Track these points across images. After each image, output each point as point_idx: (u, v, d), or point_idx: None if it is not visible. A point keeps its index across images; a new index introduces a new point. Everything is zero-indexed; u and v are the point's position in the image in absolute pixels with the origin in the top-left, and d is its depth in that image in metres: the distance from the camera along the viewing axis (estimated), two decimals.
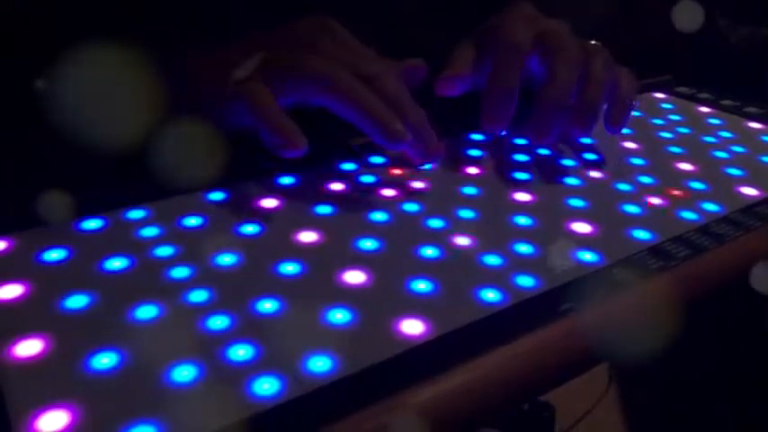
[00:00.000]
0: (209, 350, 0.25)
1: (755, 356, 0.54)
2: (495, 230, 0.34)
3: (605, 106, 0.43)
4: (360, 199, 0.37)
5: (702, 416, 0.58)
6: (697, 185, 0.40)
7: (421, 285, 0.29)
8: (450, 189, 0.38)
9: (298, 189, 0.37)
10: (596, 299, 0.29)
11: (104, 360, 0.24)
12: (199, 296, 0.28)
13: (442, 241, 0.33)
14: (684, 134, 0.49)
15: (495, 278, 0.30)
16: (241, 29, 0.39)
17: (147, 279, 0.29)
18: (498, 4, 0.47)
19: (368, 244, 0.32)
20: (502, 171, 0.41)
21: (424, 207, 0.36)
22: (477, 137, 0.46)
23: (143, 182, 0.35)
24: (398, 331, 0.26)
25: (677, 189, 0.40)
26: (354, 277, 0.30)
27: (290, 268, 0.30)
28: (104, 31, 0.35)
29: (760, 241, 0.35)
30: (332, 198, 0.36)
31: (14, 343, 0.25)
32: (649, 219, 0.36)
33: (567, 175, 0.41)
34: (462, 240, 0.33)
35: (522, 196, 0.38)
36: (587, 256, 0.32)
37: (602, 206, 0.37)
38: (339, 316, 0.27)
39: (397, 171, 0.40)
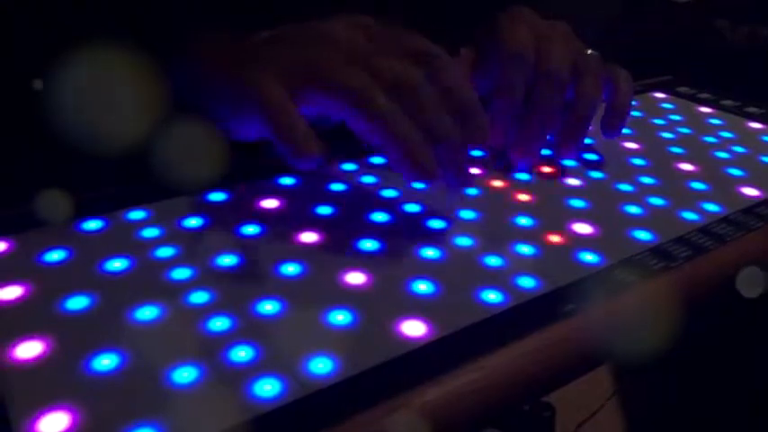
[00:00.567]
0: (209, 352, 0.25)
1: (762, 358, 0.54)
2: (496, 231, 0.34)
3: (603, 110, 0.43)
4: (360, 199, 0.36)
5: (708, 417, 0.58)
6: (698, 186, 0.40)
7: (422, 286, 0.29)
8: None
9: (298, 190, 0.37)
10: (597, 300, 0.29)
11: (105, 361, 0.24)
12: (200, 297, 0.28)
13: (442, 242, 0.33)
14: (685, 134, 0.49)
15: (496, 279, 0.30)
16: (259, 21, 0.36)
17: (148, 280, 0.29)
18: (493, 6, 0.47)
19: (369, 245, 0.32)
20: (503, 171, 0.41)
21: (425, 208, 0.36)
22: None
23: (144, 183, 0.35)
24: (399, 333, 0.26)
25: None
26: (355, 278, 0.29)
27: (290, 269, 0.30)
28: (106, 27, 0.35)
29: (761, 242, 0.35)
30: (332, 199, 0.36)
31: (15, 344, 0.25)
32: (650, 219, 0.36)
33: (568, 176, 0.41)
34: (463, 241, 0.33)
35: (523, 197, 0.38)
36: (588, 257, 0.32)
37: (603, 206, 0.37)
38: (340, 317, 0.27)
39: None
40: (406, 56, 0.34)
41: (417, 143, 0.31)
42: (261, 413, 0.22)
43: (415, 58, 0.34)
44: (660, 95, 0.57)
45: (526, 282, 0.30)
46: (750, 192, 0.40)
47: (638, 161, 0.43)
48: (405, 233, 0.33)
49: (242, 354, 0.25)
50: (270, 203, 0.35)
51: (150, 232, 0.32)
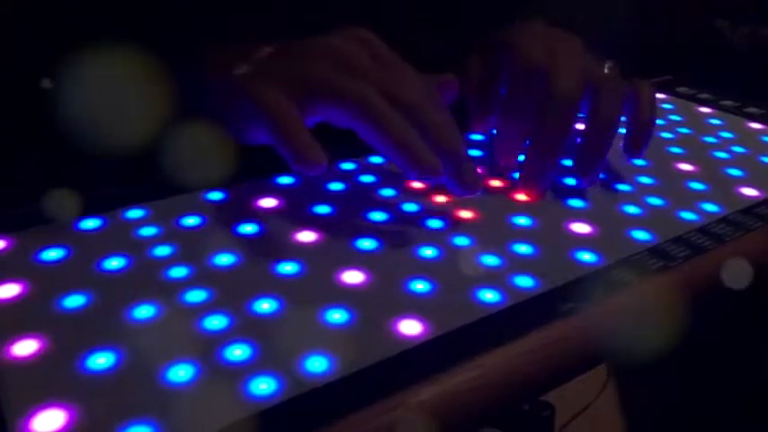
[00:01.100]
0: (206, 350, 0.25)
1: (762, 357, 0.54)
2: (493, 231, 0.34)
3: (625, 128, 0.40)
4: (358, 199, 0.36)
5: (708, 417, 0.58)
6: (697, 186, 0.40)
7: (419, 285, 0.29)
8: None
9: (296, 189, 0.37)
10: (595, 299, 0.29)
11: (101, 360, 0.24)
12: (196, 296, 0.28)
13: (440, 241, 0.33)
14: (685, 134, 0.49)
15: (493, 278, 0.30)
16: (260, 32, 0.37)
17: (145, 279, 0.29)
18: (498, 11, 0.46)
19: (366, 244, 0.32)
20: (501, 171, 0.41)
21: (423, 207, 0.36)
22: (475, 137, 0.45)
23: (143, 182, 0.35)
24: (397, 331, 0.26)
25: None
26: (353, 277, 0.29)
27: (288, 268, 0.30)
28: (113, 29, 0.35)
29: (760, 242, 0.35)
30: (331, 198, 0.36)
31: (11, 342, 0.25)
32: (649, 219, 0.36)
33: (567, 176, 0.41)
34: (461, 240, 0.33)
35: (521, 196, 0.38)
36: (586, 257, 0.32)
37: (602, 206, 0.37)
38: (337, 316, 0.27)
39: (395, 171, 0.40)
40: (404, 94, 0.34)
41: (421, 147, 0.32)
42: (257, 411, 0.22)
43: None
44: (660, 95, 0.57)
45: (524, 281, 0.30)
46: (749, 192, 0.40)
47: (637, 161, 0.43)
48: (402, 232, 0.33)
49: (238, 352, 0.25)
50: (268, 202, 0.35)
51: (148, 231, 0.32)
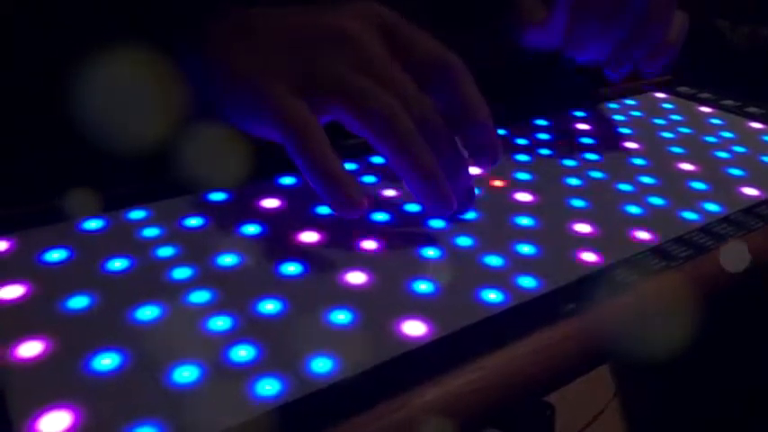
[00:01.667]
0: (210, 351, 0.25)
1: (763, 357, 0.54)
2: (496, 231, 0.34)
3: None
4: None
5: (708, 417, 0.58)
6: (698, 185, 0.40)
7: (422, 286, 0.29)
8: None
9: (299, 189, 0.37)
10: (598, 299, 0.29)
11: (106, 361, 0.24)
12: (200, 297, 0.28)
13: (443, 242, 0.33)
14: (685, 134, 0.49)
15: (496, 279, 0.30)
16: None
17: (149, 280, 0.29)
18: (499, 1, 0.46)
19: (370, 245, 0.32)
20: (502, 171, 0.41)
21: (425, 208, 0.36)
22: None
23: (155, 181, 0.35)
24: (400, 332, 0.26)
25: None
26: (356, 278, 0.30)
27: (291, 269, 0.30)
28: (111, 19, 0.34)
29: (761, 241, 0.35)
30: None
31: (16, 344, 0.25)
32: (651, 219, 0.36)
33: (568, 176, 0.41)
34: (464, 241, 0.33)
35: (524, 196, 0.38)
36: (589, 257, 0.32)
37: (604, 206, 0.37)
38: (341, 317, 0.27)
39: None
40: (421, 65, 0.34)
41: (439, 177, 0.32)
42: (262, 412, 0.22)
43: (428, 69, 0.34)
44: (660, 95, 0.57)
45: (526, 281, 0.30)
46: (750, 192, 0.40)
47: (638, 161, 0.43)
48: (405, 233, 0.33)
49: (243, 353, 0.25)
50: (270, 203, 0.35)
51: (151, 232, 0.32)
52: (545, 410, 0.63)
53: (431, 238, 0.33)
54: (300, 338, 0.26)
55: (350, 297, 0.28)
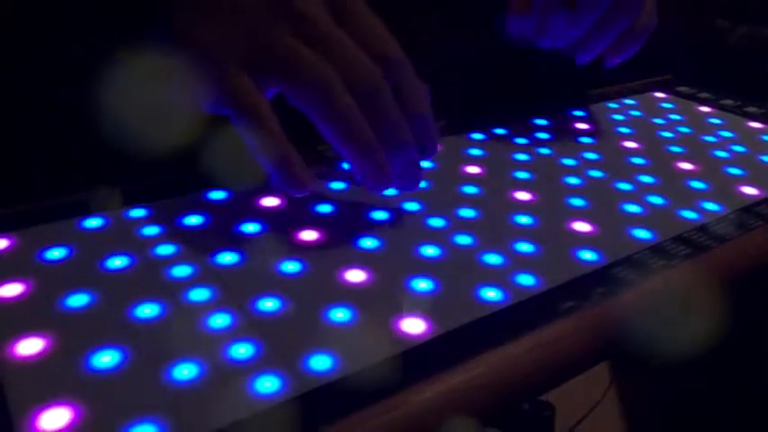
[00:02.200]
0: (210, 349, 0.25)
1: (756, 354, 0.54)
2: (495, 229, 0.34)
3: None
4: (360, 198, 0.37)
5: (709, 417, 0.58)
6: (697, 185, 0.40)
7: (422, 284, 0.29)
8: (450, 188, 0.38)
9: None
10: (597, 298, 0.29)
11: (106, 358, 0.24)
12: (200, 294, 0.28)
13: (442, 240, 0.33)
14: (685, 134, 0.49)
15: (495, 277, 0.30)
16: None
17: (149, 277, 0.29)
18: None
19: (369, 243, 0.32)
20: (502, 170, 0.41)
21: (425, 206, 0.36)
22: (477, 136, 0.46)
23: (147, 181, 0.35)
24: (399, 330, 0.26)
25: None
26: (355, 276, 0.30)
27: (290, 267, 0.30)
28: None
29: (760, 241, 0.35)
30: (333, 197, 0.36)
31: (16, 341, 0.25)
32: (650, 218, 0.36)
33: (568, 175, 0.41)
34: (463, 239, 0.33)
35: (523, 195, 0.38)
36: (588, 255, 0.32)
37: (603, 205, 0.37)
38: (340, 315, 0.27)
39: None
40: (369, 47, 0.32)
41: (376, 149, 0.31)
42: (261, 409, 0.22)
43: (379, 55, 0.33)
44: (660, 95, 0.57)
45: (526, 279, 0.30)
46: (750, 191, 0.40)
47: (637, 160, 0.43)
48: (404, 231, 0.34)
49: (242, 351, 0.25)
50: (270, 201, 0.35)
51: (151, 230, 0.32)
52: (544, 410, 0.63)
53: (430, 236, 0.33)
54: (300, 336, 0.26)
55: (349, 295, 0.28)
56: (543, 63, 0.51)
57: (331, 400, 0.23)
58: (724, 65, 0.66)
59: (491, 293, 0.29)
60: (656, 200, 0.38)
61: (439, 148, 0.36)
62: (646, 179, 0.41)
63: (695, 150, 0.46)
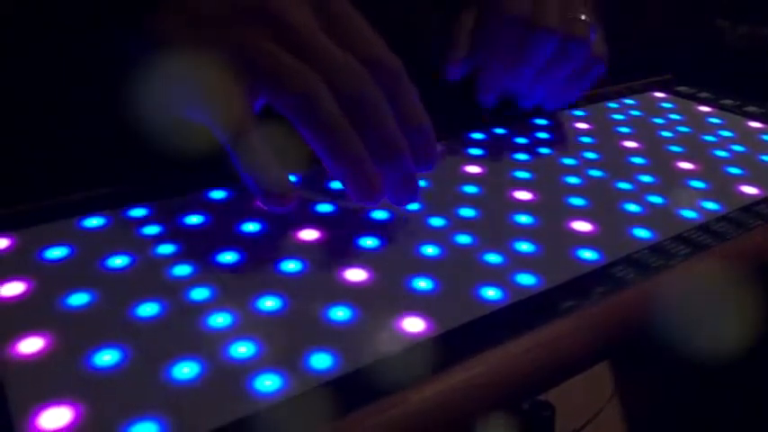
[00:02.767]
0: (210, 347, 0.25)
1: (763, 357, 0.54)
2: (495, 229, 0.34)
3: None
4: None
5: (708, 417, 0.58)
6: (697, 184, 0.41)
7: (422, 283, 0.29)
8: (450, 188, 0.38)
9: (299, 187, 0.37)
10: (596, 297, 0.29)
11: (106, 357, 0.24)
12: (200, 294, 0.28)
13: (442, 240, 0.33)
14: (685, 133, 0.49)
15: (495, 276, 0.30)
16: None
17: (149, 277, 0.29)
18: None
19: (369, 242, 0.32)
20: (502, 170, 0.41)
21: (425, 206, 0.36)
22: (477, 136, 0.46)
23: (146, 180, 0.35)
24: (400, 329, 0.27)
25: None
26: (356, 275, 0.30)
27: (291, 266, 0.30)
28: None
29: (760, 240, 0.35)
30: (333, 196, 0.36)
31: (17, 340, 0.25)
32: (650, 217, 0.36)
33: (568, 174, 0.41)
34: (463, 238, 0.33)
35: (523, 195, 0.38)
36: (588, 255, 0.32)
37: (603, 205, 0.37)
38: (340, 314, 0.27)
39: None
40: (360, 54, 0.31)
41: (364, 161, 0.30)
42: (261, 408, 0.22)
43: (368, 60, 0.31)
44: (660, 95, 0.57)
45: (525, 279, 0.30)
46: (749, 190, 0.40)
47: (637, 160, 0.43)
48: (405, 230, 0.34)
49: (243, 349, 0.25)
50: None
51: (151, 230, 0.32)
52: (544, 410, 0.63)
53: (430, 236, 0.33)
54: (300, 335, 0.26)
55: (349, 294, 0.28)
56: None
57: (331, 398, 0.23)
58: (724, 65, 0.66)
59: (491, 293, 0.29)
60: (655, 199, 0.38)
61: (437, 159, 0.34)
62: (645, 179, 0.41)
63: (695, 150, 0.46)
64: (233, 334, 0.26)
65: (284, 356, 0.25)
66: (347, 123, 0.29)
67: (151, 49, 0.30)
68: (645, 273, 0.31)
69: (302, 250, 0.31)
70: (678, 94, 0.57)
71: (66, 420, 0.22)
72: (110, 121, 0.35)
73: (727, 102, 0.55)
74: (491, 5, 0.43)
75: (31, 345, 0.25)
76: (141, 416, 0.22)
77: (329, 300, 0.28)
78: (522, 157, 0.43)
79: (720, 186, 0.40)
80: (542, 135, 0.47)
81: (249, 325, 0.26)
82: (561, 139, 0.46)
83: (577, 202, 0.37)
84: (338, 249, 0.32)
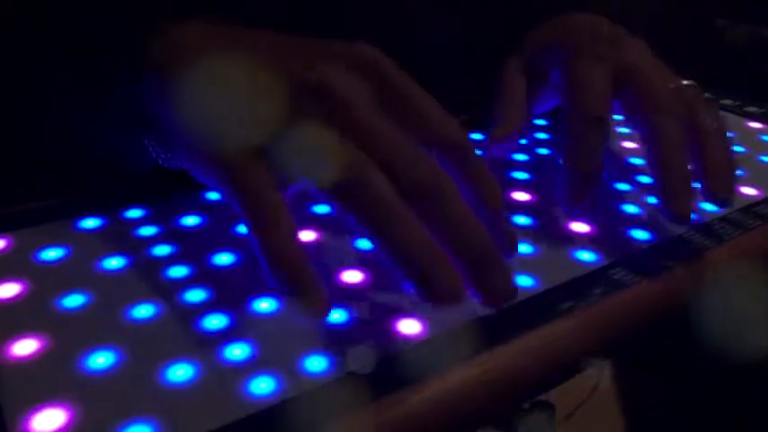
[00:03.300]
0: (205, 349, 0.25)
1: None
2: None
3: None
4: None
5: (701, 408, 0.58)
6: (697, 185, 0.40)
7: None
8: None
9: (295, 189, 0.37)
10: (595, 298, 0.29)
11: (101, 359, 0.24)
12: (196, 295, 0.28)
13: None
14: None
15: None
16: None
17: (145, 278, 0.29)
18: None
19: (366, 243, 0.32)
20: (501, 171, 0.41)
21: None
22: (476, 136, 0.45)
23: (143, 181, 0.35)
24: (396, 331, 0.26)
25: None
26: (352, 277, 0.29)
27: None
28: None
29: (759, 241, 0.35)
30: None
31: (11, 342, 0.25)
32: (649, 218, 0.36)
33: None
34: None
35: (522, 196, 0.38)
36: (586, 256, 0.32)
37: (602, 205, 0.37)
38: (336, 315, 0.27)
39: None
40: (422, 135, 0.27)
41: (434, 257, 0.24)
42: (256, 411, 0.22)
43: (431, 141, 0.27)
44: None
45: (523, 280, 0.30)
46: (749, 191, 0.40)
47: (636, 160, 0.43)
48: None
49: (237, 352, 0.25)
50: None
51: (147, 231, 0.32)
52: (545, 410, 0.62)
53: None
54: (296, 337, 0.26)
55: (345, 296, 0.28)
56: None
57: (326, 401, 0.23)
58: (724, 65, 0.66)
59: None
60: (654, 200, 0.38)
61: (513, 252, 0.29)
62: (644, 179, 0.41)
63: None
64: (228, 336, 0.25)
65: (280, 359, 0.24)
66: (406, 212, 0.25)
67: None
68: (643, 274, 0.31)
69: None
70: None
71: (60, 422, 0.22)
72: (109, 121, 0.35)
73: (727, 102, 0.55)
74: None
75: (25, 346, 0.25)
76: (135, 418, 0.22)
77: None
78: (521, 157, 0.43)
79: None
80: (542, 135, 0.46)
81: (244, 327, 0.26)
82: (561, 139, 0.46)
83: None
84: (334, 251, 0.31)
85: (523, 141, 0.45)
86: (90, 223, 0.32)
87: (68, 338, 0.25)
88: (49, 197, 0.34)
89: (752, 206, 0.38)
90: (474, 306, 0.28)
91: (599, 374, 0.25)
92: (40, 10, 0.36)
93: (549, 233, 0.34)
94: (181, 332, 0.26)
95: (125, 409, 0.22)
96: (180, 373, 0.24)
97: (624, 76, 0.36)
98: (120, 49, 0.30)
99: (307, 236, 0.32)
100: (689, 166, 0.34)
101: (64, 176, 0.36)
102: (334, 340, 0.26)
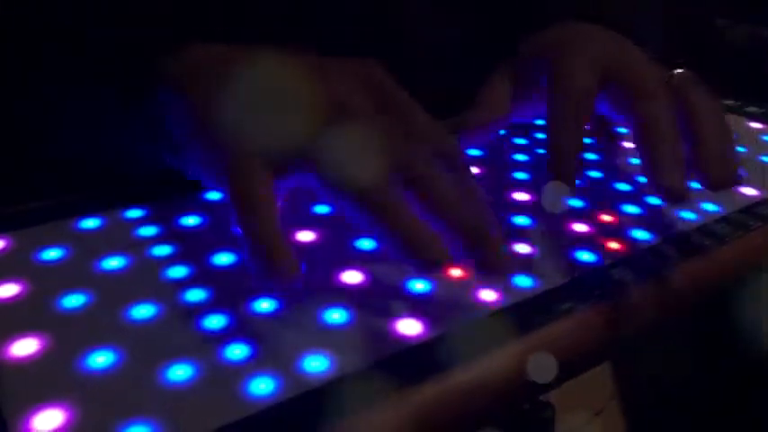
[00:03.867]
0: (205, 349, 0.25)
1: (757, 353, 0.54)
2: None
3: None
4: None
5: (708, 413, 0.58)
6: (696, 185, 0.40)
7: (419, 285, 0.29)
8: None
9: (295, 189, 0.37)
10: (594, 299, 0.29)
11: (100, 359, 0.24)
12: (196, 295, 0.28)
13: None
14: None
15: (492, 278, 0.30)
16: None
17: (144, 278, 0.29)
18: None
19: (366, 244, 0.32)
20: (501, 171, 0.41)
21: None
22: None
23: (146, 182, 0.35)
24: (396, 331, 0.26)
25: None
26: (352, 277, 0.29)
27: None
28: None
29: (759, 241, 0.35)
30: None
31: (11, 342, 0.25)
32: (648, 218, 0.36)
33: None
34: None
35: (521, 196, 0.38)
36: (585, 256, 0.32)
37: (601, 206, 0.37)
38: (336, 316, 0.27)
39: None
40: (417, 141, 0.29)
41: (422, 229, 0.26)
42: (256, 411, 0.22)
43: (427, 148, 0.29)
44: None
45: (523, 281, 0.30)
46: (749, 192, 0.40)
47: (636, 160, 0.43)
48: None
49: (237, 352, 0.25)
50: None
51: (147, 231, 0.32)
52: (545, 411, 0.62)
53: None
54: (295, 337, 0.26)
55: (345, 296, 0.28)
56: None
57: (326, 401, 0.23)
58: (724, 65, 0.66)
59: (488, 294, 0.29)
60: (654, 200, 0.38)
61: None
62: (644, 179, 0.40)
63: None
64: (228, 336, 0.25)
65: (279, 359, 0.24)
66: (405, 206, 0.27)
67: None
68: (643, 274, 0.31)
69: (298, 252, 0.31)
70: None
71: (60, 422, 0.22)
72: (109, 121, 0.35)
73: (728, 102, 0.55)
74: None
75: (25, 346, 0.25)
76: (135, 418, 0.22)
77: (325, 302, 0.28)
78: (520, 157, 0.43)
79: None
80: (541, 135, 0.46)
81: (244, 327, 0.26)
82: None
83: (575, 203, 0.37)
84: (334, 251, 0.31)
85: (523, 141, 0.45)
86: (90, 223, 0.32)
87: (68, 338, 0.25)
88: (49, 197, 0.34)
89: (752, 207, 0.38)
90: (474, 306, 0.28)
91: None
92: (41, 11, 0.36)
93: (549, 233, 0.34)
94: (181, 332, 0.26)
95: (125, 409, 0.22)
96: (180, 373, 0.24)
97: (611, 73, 0.37)
98: (126, 57, 0.32)
99: (306, 236, 0.32)
100: (681, 147, 0.34)
101: (64, 176, 0.36)
102: (333, 340, 0.26)
